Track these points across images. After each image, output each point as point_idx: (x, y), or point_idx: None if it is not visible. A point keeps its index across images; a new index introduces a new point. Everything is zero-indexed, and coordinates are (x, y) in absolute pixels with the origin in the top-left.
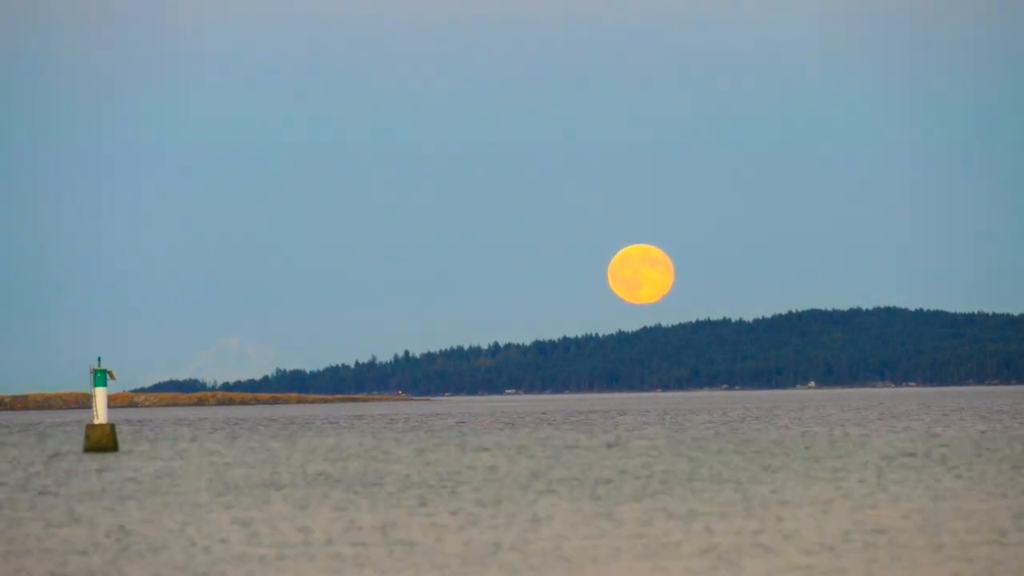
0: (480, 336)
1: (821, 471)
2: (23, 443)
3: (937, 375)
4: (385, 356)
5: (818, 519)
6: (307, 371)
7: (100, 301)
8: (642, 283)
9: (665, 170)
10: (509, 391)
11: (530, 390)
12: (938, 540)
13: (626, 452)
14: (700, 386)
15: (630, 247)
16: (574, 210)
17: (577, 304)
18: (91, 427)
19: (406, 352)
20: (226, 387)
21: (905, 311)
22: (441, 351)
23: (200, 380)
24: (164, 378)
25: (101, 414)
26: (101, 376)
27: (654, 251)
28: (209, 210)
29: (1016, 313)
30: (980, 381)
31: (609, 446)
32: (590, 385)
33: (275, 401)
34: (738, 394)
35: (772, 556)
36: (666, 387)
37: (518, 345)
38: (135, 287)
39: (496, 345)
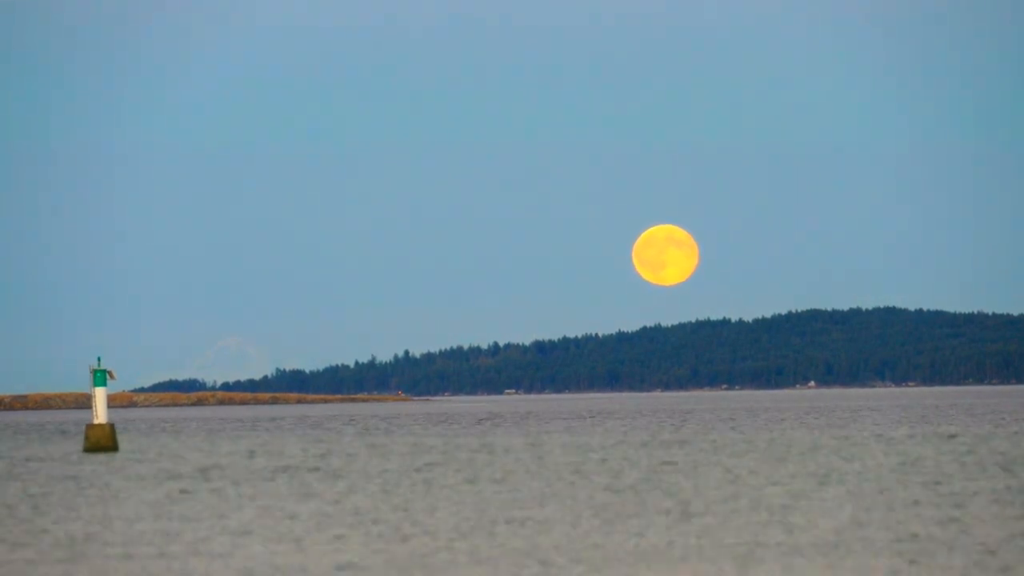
0: (480, 336)
1: None
2: (22, 443)
3: (937, 375)
4: (385, 356)
5: None
6: (307, 371)
7: (100, 301)
8: (666, 264)
9: (665, 171)
10: (509, 391)
11: (530, 390)
12: None
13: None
14: (700, 386)
15: (655, 227)
16: (574, 210)
17: (576, 304)
18: (91, 427)
19: (406, 352)
20: (226, 387)
21: (905, 311)
22: (441, 351)
23: (200, 380)
24: (164, 378)
25: (101, 414)
26: (101, 376)
27: (679, 232)
28: (209, 210)
29: (1016, 313)
30: (980, 381)
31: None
32: (590, 385)
33: (275, 401)
34: (738, 394)
35: None
36: (666, 387)
37: (518, 345)
38: (135, 287)
39: (496, 345)
